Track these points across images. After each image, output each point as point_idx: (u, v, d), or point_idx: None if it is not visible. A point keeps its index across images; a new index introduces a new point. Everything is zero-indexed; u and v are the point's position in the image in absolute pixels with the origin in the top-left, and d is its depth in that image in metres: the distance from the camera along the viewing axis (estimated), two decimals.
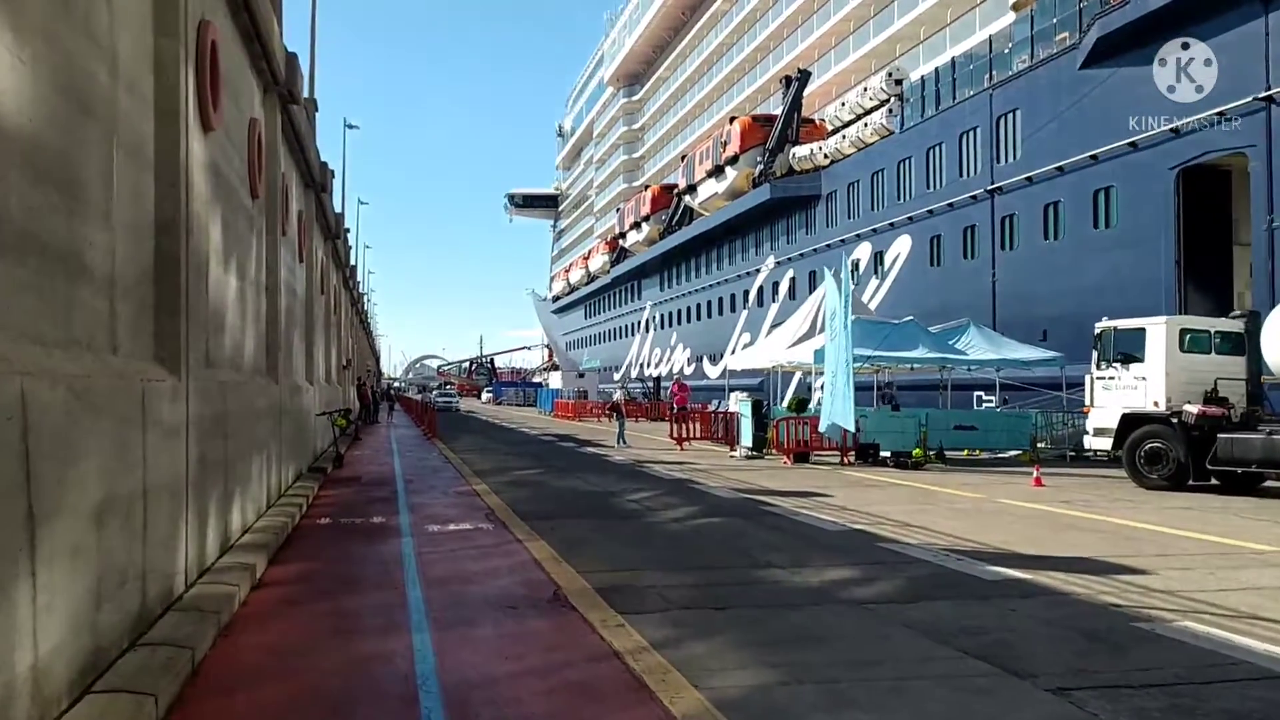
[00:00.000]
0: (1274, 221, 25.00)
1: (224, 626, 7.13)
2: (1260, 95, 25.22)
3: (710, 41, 79.14)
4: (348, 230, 36.95)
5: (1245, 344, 17.77)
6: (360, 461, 23.31)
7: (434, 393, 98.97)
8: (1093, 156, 31.40)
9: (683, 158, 72.49)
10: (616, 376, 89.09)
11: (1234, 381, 17.49)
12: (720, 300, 66.22)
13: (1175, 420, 16.94)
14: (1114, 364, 18.14)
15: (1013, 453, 25.42)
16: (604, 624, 7.26)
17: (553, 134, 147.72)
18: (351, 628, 7.30)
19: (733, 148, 58.94)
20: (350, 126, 50.31)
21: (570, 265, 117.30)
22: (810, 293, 51.76)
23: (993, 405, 30.70)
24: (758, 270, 59.53)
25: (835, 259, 49.53)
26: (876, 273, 45.50)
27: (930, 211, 40.84)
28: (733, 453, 25.90)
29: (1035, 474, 18.12)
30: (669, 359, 76.35)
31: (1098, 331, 18.59)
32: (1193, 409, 16.76)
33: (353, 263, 44.75)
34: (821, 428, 22.62)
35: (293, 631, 7.28)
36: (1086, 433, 18.95)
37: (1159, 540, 11.60)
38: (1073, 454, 24.91)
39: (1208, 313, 28.85)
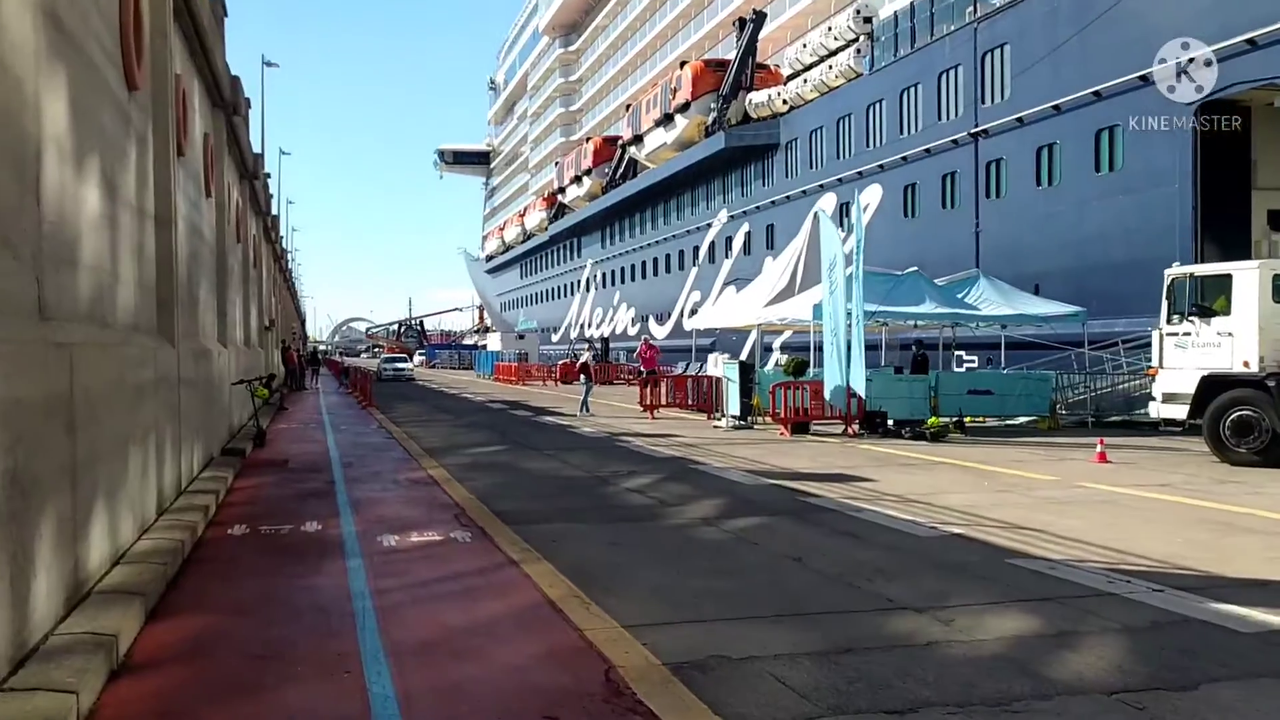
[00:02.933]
0: None
1: None
2: None
3: None
4: (268, 175, 32.91)
5: None
6: (287, 438, 19.77)
7: (378, 357, 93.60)
8: (1095, 93, 28.70)
9: (627, 107, 68.87)
10: (555, 337, 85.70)
11: None
12: (668, 257, 63.02)
13: (1272, 383, 14.21)
14: (1190, 318, 15.35)
15: (1022, 419, 22.77)
16: None
17: (484, 88, 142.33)
18: None
19: (683, 94, 55.48)
20: (269, 64, 45.86)
21: (505, 223, 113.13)
22: (768, 247, 49.04)
23: (976, 366, 28.05)
24: (709, 225, 56.43)
25: (796, 211, 46.81)
26: (842, 225, 42.55)
27: (904, 158, 38.00)
28: (716, 422, 22.85)
29: (1099, 447, 15.31)
30: (612, 319, 73.08)
31: (1169, 279, 15.77)
32: None
33: (275, 212, 40.56)
34: (827, 394, 19.65)
35: None
36: (1153, 399, 16.17)
37: None
38: (1093, 420, 22.39)
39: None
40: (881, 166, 39.49)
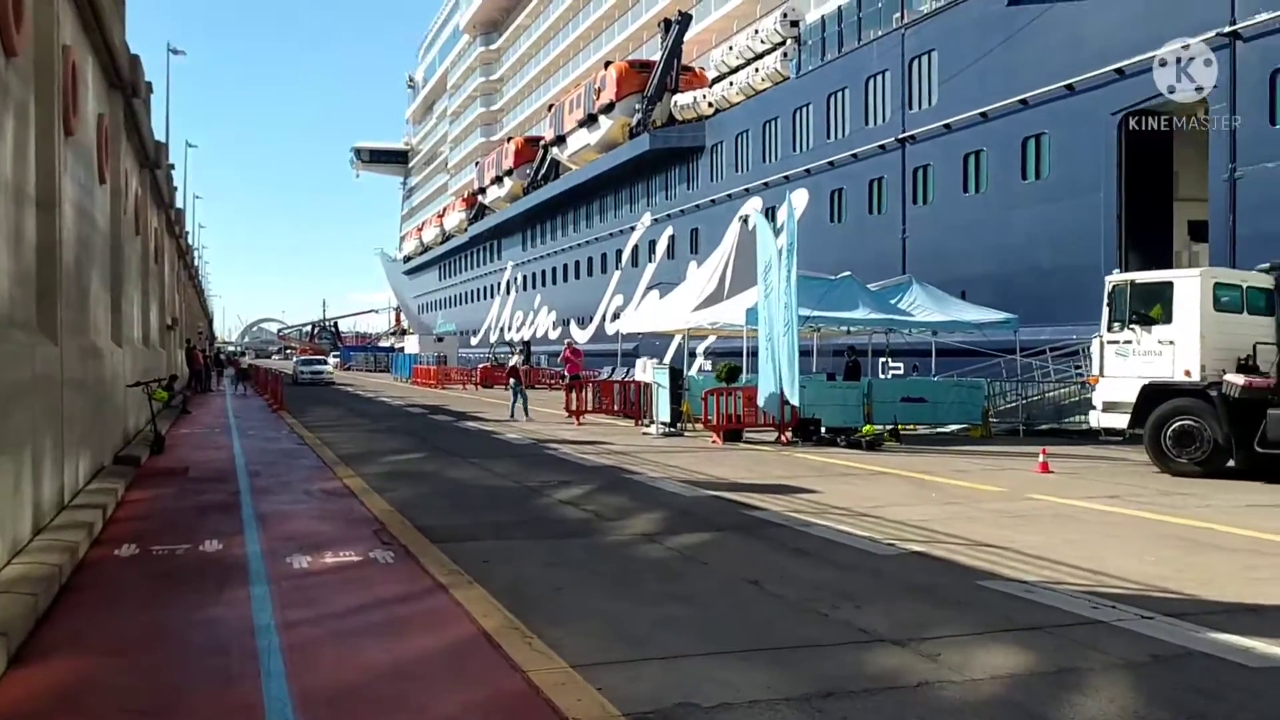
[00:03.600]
0: (1236, 171, 22.69)
1: None
2: (1224, 30, 22.80)
3: None
4: (172, 166, 31.27)
5: (1275, 302, 15.02)
6: (189, 444, 18.52)
7: (291, 359, 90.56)
8: (1022, 101, 28.75)
9: (550, 107, 67.88)
10: (474, 340, 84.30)
11: (1266, 346, 14.71)
12: (590, 260, 62.22)
13: (1214, 393, 14.00)
14: (1131, 326, 15.10)
15: (954, 427, 22.55)
16: None
17: (403, 85, 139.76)
18: None
19: (608, 95, 54.77)
20: (175, 51, 43.86)
21: (424, 224, 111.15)
22: (693, 252, 48.58)
23: (902, 373, 27.79)
24: (633, 228, 55.77)
25: (721, 215, 46.46)
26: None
27: (831, 163, 37.81)
28: (645, 429, 22.14)
29: (1041, 457, 14.98)
30: (533, 322, 72.00)
31: (1110, 287, 15.54)
32: (1238, 379, 13.86)
33: (180, 206, 38.73)
34: (761, 400, 19.10)
35: None
36: (1093, 408, 15.91)
37: None
38: (1024, 428, 22.26)
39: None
40: (808, 171, 39.27)
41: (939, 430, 22.37)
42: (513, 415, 25.41)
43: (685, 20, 51.23)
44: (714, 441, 19.51)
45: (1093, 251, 26.44)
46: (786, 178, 40.73)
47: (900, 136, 33.98)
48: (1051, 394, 23.62)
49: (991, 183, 30.40)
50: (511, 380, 27.17)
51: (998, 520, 10.46)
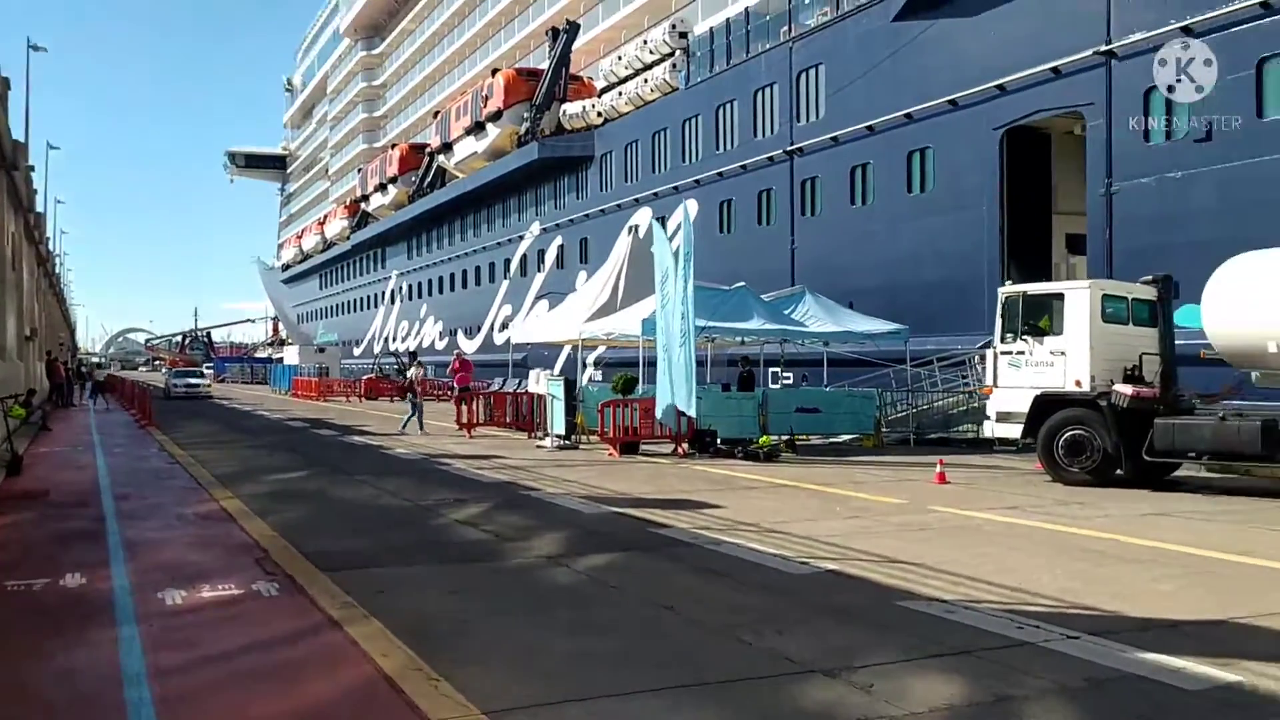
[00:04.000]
0: (1112, 186, 23.43)
1: None
2: (1100, 49, 23.56)
3: None
4: (31, 168, 29.46)
5: (1158, 313, 15.43)
6: (49, 464, 17.27)
7: (160, 370, 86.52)
8: (907, 115, 29.27)
9: (436, 114, 66.71)
10: (357, 351, 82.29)
11: (1151, 357, 15.09)
12: (478, 269, 61.27)
13: (1104, 403, 14.26)
14: (1023, 337, 15.31)
15: (845, 437, 22.70)
16: None
17: (280, 89, 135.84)
18: None
19: (495, 102, 54.07)
20: (35, 48, 41.40)
21: (303, 231, 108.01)
22: (582, 261, 48.22)
23: (792, 383, 27.94)
24: (521, 237, 55.12)
25: (610, 225, 46.19)
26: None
27: (720, 174, 37.92)
28: (539, 442, 21.63)
29: (938, 467, 15.03)
30: (418, 332, 70.56)
31: (1003, 297, 15.74)
32: (1126, 389, 14.16)
33: (40, 210, 36.56)
34: (659, 412, 18.81)
35: None
36: (987, 418, 16.08)
37: (1266, 576, 8.55)
38: (914, 437, 22.55)
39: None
40: (698, 182, 39.31)
41: (831, 440, 22.47)
42: (404, 429, 24.59)
43: (573, 29, 50.93)
44: (610, 454, 19.14)
45: (976, 264, 27.06)
46: (676, 188, 40.72)
47: (789, 149, 34.28)
48: (939, 403, 24.03)
49: (879, 195, 30.87)
50: (408, 394, 26.20)
51: (904, 534, 10.34)
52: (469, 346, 58.73)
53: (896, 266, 29.53)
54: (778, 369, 28.72)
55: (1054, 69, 24.74)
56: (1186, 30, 21.62)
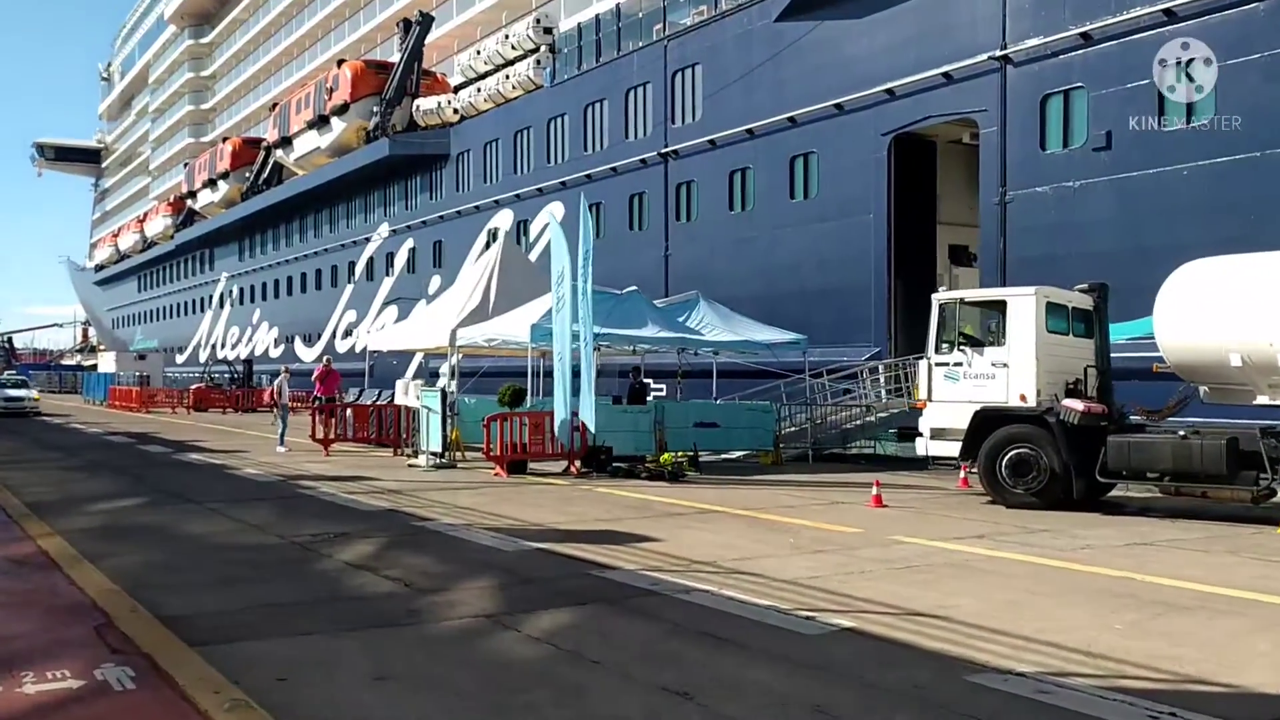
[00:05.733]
0: (1006, 194, 22.93)
1: None
2: (995, 54, 23.06)
3: None
4: None
5: (1095, 323, 14.60)
6: None
7: None
8: (790, 119, 28.31)
9: (274, 106, 62.54)
10: (180, 358, 76.80)
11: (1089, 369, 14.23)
12: (319, 272, 57.66)
13: (1052, 419, 13.22)
14: (960, 347, 14.18)
15: (738, 453, 21.37)
16: None
17: (96, 77, 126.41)
18: None
19: (341, 95, 50.84)
20: None
21: (120, 229, 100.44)
22: (436, 265, 45.67)
23: (665, 395, 26.37)
24: (368, 239, 52.02)
25: (468, 228, 43.82)
26: (520, 243, 40.14)
27: (589, 177, 36.20)
28: (411, 460, 19.39)
29: (875, 489, 13.68)
30: (250, 339, 66.07)
31: (938, 304, 14.55)
32: (1076, 405, 13.14)
33: None
34: (557, 428, 16.95)
35: None
36: (920, 434, 14.84)
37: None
38: (812, 453, 21.39)
39: (909, 297, 26.89)
40: (564, 184, 37.49)
41: (725, 457, 21.06)
42: (281, 443, 21.83)
43: (427, 21, 48.33)
44: (497, 474, 17.12)
45: (863, 273, 26.26)
46: (540, 190, 38.86)
47: (663, 151, 32.91)
48: (833, 417, 22.95)
49: (759, 201, 29.80)
50: (275, 406, 23.17)
51: (896, 574, 8.84)
52: (308, 354, 55.12)
53: (777, 274, 28.51)
54: (649, 380, 26.91)
55: (945, 74, 24.13)
56: (1085, 37, 21.30)
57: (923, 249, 27.03)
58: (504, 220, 40.93)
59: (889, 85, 25.43)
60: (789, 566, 9.12)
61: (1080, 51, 21.57)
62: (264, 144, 63.03)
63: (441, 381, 26.54)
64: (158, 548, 10.10)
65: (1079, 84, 21.63)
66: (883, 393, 23.65)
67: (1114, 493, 14.23)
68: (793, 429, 22.05)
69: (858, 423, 22.32)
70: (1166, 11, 19.86)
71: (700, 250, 31.38)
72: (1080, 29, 21.36)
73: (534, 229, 38.49)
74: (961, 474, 16.15)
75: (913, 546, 10.35)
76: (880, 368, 24.12)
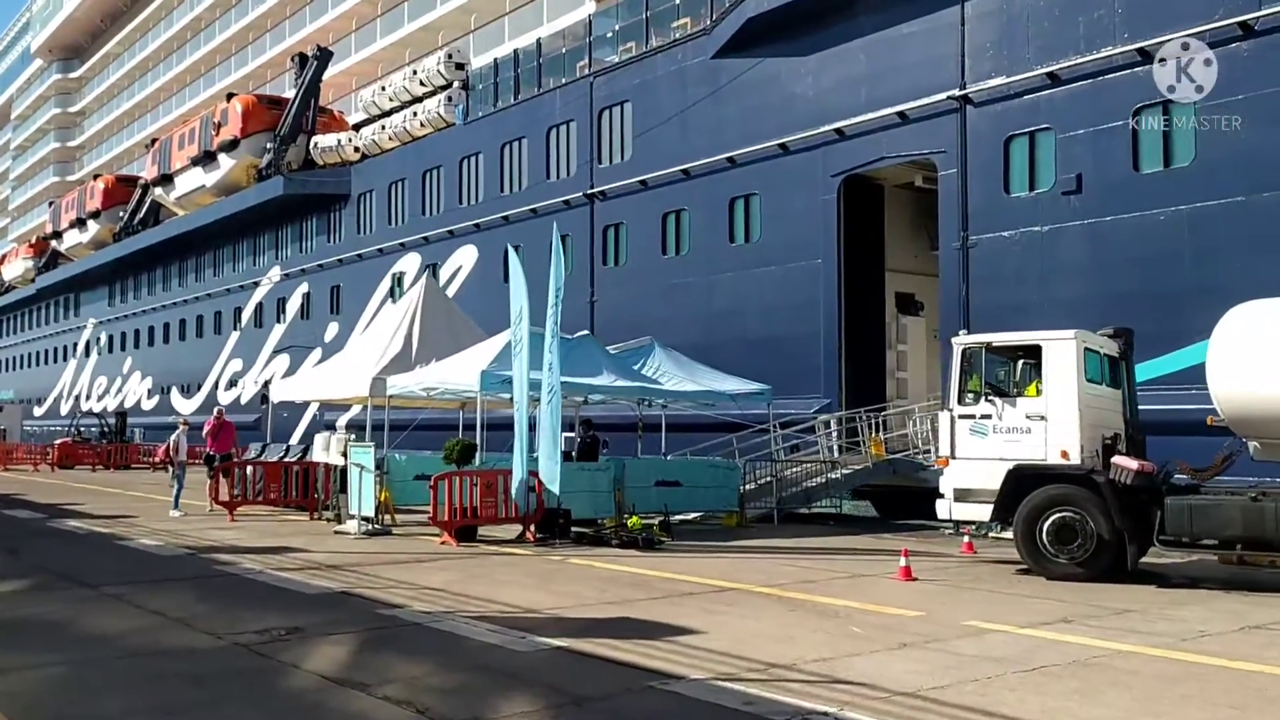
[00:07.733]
0: (969, 239, 21.87)
1: None
2: (954, 94, 22.11)
3: (184, 13, 65.73)
4: None
5: (1122, 372, 13.31)
6: None
7: None
8: (730, 159, 26.91)
9: (153, 142, 58.64)
10: (38, 411, 71.14)
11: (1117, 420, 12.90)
12: (200, 319, 53.77)
13: (1101, 479, 11.73)
14: (988, 398, 12.65)
15: (694, 515, 19.46)
16: None
17: None
18: None
19: (231, 130, 47.64)
20: None
21: None
22: (334, 311, 42.80)
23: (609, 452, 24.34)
24: (257, 283, 48.69)
25: (370, 272, 41.13)
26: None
27: (506, 219, 34.17)
28: (337, 526, 16.89)
29: (903, 560, 11.95)
30: (121, 390, 61.34)
31: (961, 350, 13.01)
32: (1130, 463, 11.70)
33: None
34: (514, 489, 14.79)
35: None
36: (941, 496, 13.14)
37: None
38: (778, 513, 19.66)
39: (860, 349, 25.58)
40: (478, 226, 35.37)
41: (682, 519, 19.10)
42: (176, 506, 18.91)
43: (325, 56, 45.82)
44: (444, 542, 14.84)
45: (810, 320, 24.86)
46: (451, 232, 36.62)
47: (589, 191, 31.15)
48: (791, 473, 21.21)
49: (695, 245, 28.24)
50: (170, 465, 20.04)
51: (1031, 681, 7.05)
52: (186, 407, 51.17)
53: (715, 322, 26.93)
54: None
55: (900, 114, 23.06)
56: (1053, 77, 20.48)
57: (872, 296, 25.79)
58: (410, 264, 38.45)
59: (838, 125, 24.24)
60: (890, 671, 7.27)
61: (1047, 92, 20.73)
62: (141, 181, 58.98)
63: (340, 434, 23.83)
64: (55, 659, 7.61)
65: (1045, 125, 20.76)
66: (835, 447, 22.22)
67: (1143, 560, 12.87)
68: (752, 486, 20.23)
69: (821, 480, 20.66)
70: (1140, 51, 19.13)
71: (629, 295, 29.61)
72: (1046, 69, 20.53)
73: (444, 274, 36.14)
74: (965, 538, 14.67)
75: (1005, 636, 8.63)
76: (832, 421, 22.68)
